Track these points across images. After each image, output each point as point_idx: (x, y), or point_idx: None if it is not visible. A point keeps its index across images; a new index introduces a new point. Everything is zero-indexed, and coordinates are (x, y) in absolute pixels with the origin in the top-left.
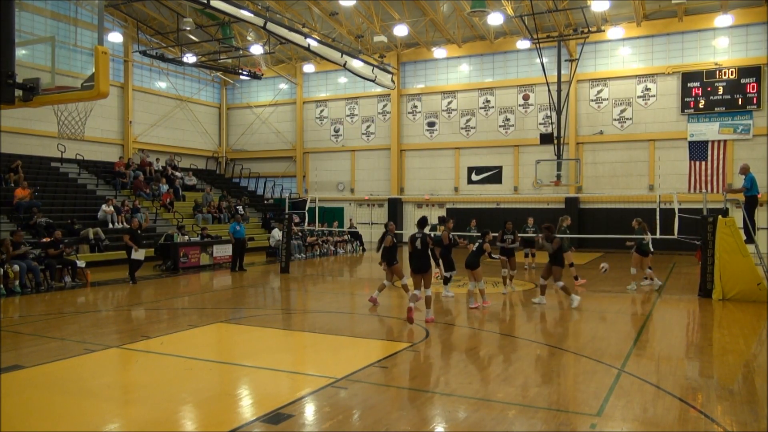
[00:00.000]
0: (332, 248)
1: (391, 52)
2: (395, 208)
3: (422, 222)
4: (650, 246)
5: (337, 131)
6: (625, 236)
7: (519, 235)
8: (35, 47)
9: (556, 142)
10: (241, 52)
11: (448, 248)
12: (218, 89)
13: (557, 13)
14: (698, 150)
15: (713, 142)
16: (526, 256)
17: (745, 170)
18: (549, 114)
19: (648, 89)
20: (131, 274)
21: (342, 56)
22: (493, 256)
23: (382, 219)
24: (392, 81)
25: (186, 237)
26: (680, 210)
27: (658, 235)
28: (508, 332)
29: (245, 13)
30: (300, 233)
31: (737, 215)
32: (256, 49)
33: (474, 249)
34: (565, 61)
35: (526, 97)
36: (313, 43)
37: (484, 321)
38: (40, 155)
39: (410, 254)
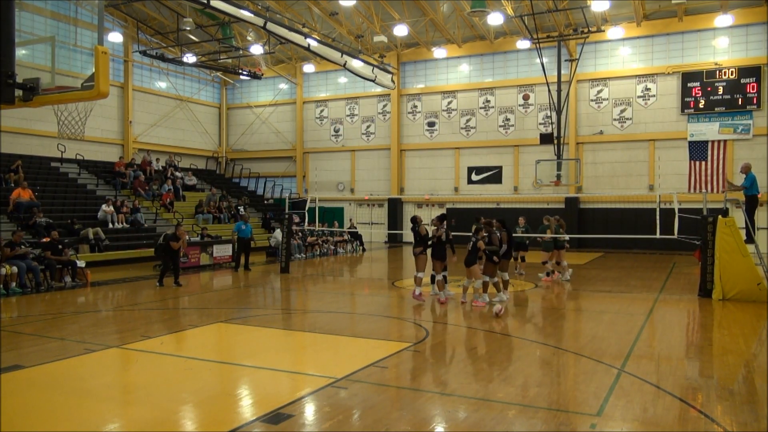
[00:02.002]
0: (332, 248)
1: (391, 52)
2: (395, 208)
3: (442, 218)
4: (565, 242)
5: (337, 131)
6: (624, 236)
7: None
8: (35, 47)
9: (556, 142)
10: (241, 52)
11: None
12: (218, 89)
13: (557, 13)
14: (698, 150)
15: (713, 142)
16: (516, 259)
17: (746, 169)
18: (549, 114)
19: (648, 89)
20: (161, 277)
21: (342, 56)
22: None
23: (382, 219)
24: (392, 81)
25: (186, 237)
26: (680, 210)
27: (658, 235)
28: (508, 332)
29: (245, 13)
30: (300, 233)
31: (737, 215)
32: (256, 49)
33: (470, 248)
34: (565, 61)
35: (526, 97)
36: (313, 43)
37: (484, 321)
38: (40, 155)
39: (433, 245)
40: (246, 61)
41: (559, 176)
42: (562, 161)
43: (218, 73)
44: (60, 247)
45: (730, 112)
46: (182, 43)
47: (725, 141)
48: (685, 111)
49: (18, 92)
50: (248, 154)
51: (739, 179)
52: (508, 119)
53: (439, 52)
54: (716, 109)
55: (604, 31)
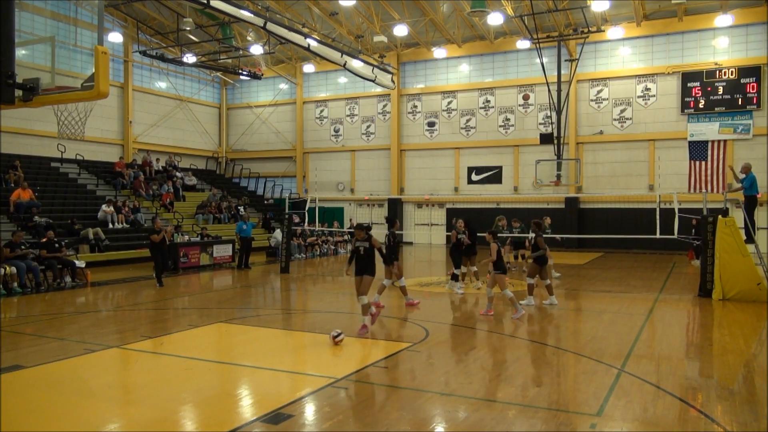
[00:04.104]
0: (332, 248)
1: (391, 52)
2: (395, 208)
3: (391, 220)
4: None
5: (337, 131)
6: (624, 236)
7: (508, 235)
8: (35, 47)
9: (556, 142)
10: (241, 52)
11: (456, 247)
12: (218, 89)
13: (557, 13)
14: (698, 150)
15: (713, 142)
16: (516, 258)
17: (746, 169)
18: (549, 114)
19: (648, 89)
20: (158, 276)
21: (342, 56)
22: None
23: (382, 219)
24: (392, 81)
25: (186, 237)
26: (680, 210)
27: (658, 235)
28: (508, 332)
29: (245, 13)
30: (301, 233)
31: (737, 215)
32: (256, 49)
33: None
34: (565, 61)
35: (526, 97)
36: (313, 43)
37: (484, 321)
38: (40, 155)
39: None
40: (246, 61)
41: (559, 176)
42: (562, 161)
43: (218, 73)
44: (57, 245)
45: (730, 112)
46: (182, 43)
47: (725, 141)
48: (685, 111)
49: (18, 92)
50: (248, 154)
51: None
52: (508, 119)
53: (439, 52)
54: (716, 109)
55: (604, 31)
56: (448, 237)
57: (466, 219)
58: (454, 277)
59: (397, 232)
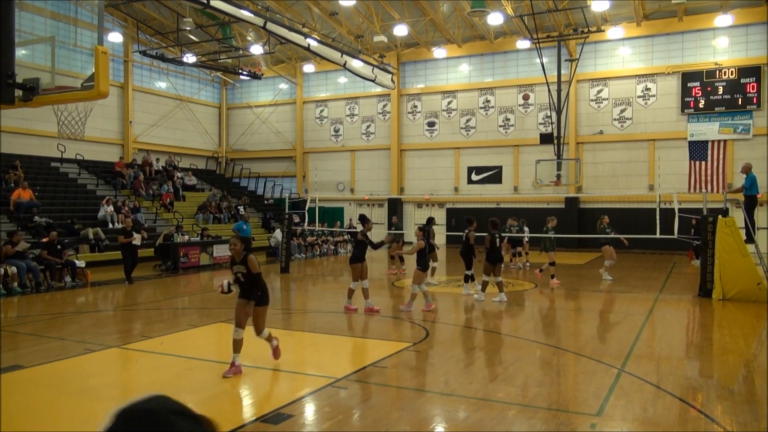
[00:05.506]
0: (332, 248)
1: (391, 52)
2: (395, 208)
3: (363, 219)
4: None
5: (337, 131)
6: (624, 236)
7: (504, 235)
8: (35, 47)
9: (556, 142)
10: (241, 52)
11: (470, 248)
12: (218, 89)
13: (557, 13)
14: (698, 150)
15: (713, 142)
16: (515, 255)
17: (747, 169)
18: (549, 114)
19: (648, 89)
20: (127, 274)
21: (342, 56)
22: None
23: (382, 219)
24: (392, 81)
25: (186, 237)
26: (680, 210)
27: (658, 235)
28: (508, 332)
29: (245, 13)
30: (301, 233)
31: (737, 215)
32: (256, 49)
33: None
34: (565, 61)
35: (526, 97)
36: (313, 43)
37: (484, 321)
38: (40, 155)
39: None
40: (246, 61)
41: (559, 176)
42: (562, 161)
43: (218, 73)
44: (59, 247)
45: (730, 112)
46: (182, 43)
47: (725, 141)
48: (685, 111)
49: (18, 92)
50: (248, 154)
51: (739, 179)
52: (508, 119)
53: (439, 52)
54: (716, 109)
55: (604, 31)
56: (449, 237)
57: (430, 218)
58: (467, 279)
59: (368, 232)
